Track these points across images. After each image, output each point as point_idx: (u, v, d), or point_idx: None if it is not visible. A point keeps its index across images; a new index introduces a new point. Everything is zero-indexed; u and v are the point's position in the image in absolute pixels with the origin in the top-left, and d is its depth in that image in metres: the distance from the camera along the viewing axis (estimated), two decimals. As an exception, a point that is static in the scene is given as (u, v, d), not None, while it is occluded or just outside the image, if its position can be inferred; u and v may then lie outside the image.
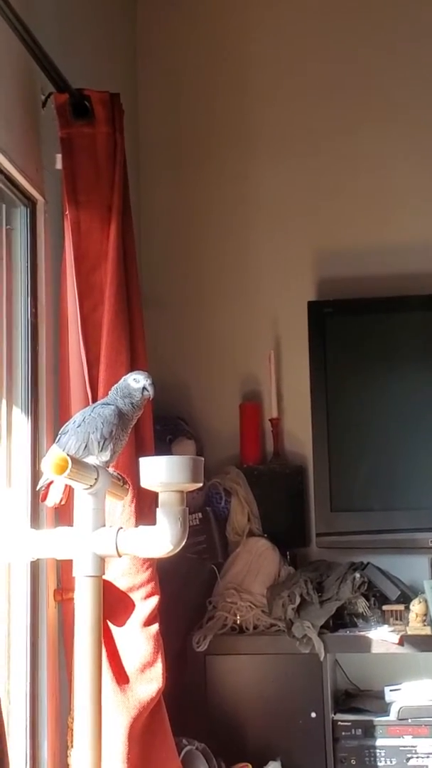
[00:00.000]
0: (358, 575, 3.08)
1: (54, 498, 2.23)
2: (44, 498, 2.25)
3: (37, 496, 2.33)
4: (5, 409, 2.44)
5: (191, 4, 3.69)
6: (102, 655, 2.16)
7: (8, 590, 2.39)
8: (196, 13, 3.69)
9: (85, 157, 2.55)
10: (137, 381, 2.18)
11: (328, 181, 3.55)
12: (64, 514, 2.34)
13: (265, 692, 3.00)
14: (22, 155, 2.43)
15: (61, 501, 2.23)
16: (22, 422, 2.45)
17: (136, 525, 2.39)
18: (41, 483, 2.20)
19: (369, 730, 2.95)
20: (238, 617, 3.05)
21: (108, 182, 2.56)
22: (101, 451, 2.12)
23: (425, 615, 2.99)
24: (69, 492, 2.22)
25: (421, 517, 3.17)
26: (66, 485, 2.19)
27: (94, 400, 2.41)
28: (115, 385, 2.22)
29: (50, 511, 2.40)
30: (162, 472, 2.03)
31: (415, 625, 2.98)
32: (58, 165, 2.55)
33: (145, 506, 2.42)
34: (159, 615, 2.50)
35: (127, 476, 2.29)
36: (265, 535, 3.25)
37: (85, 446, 2.12)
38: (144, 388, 2.17)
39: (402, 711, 2.95)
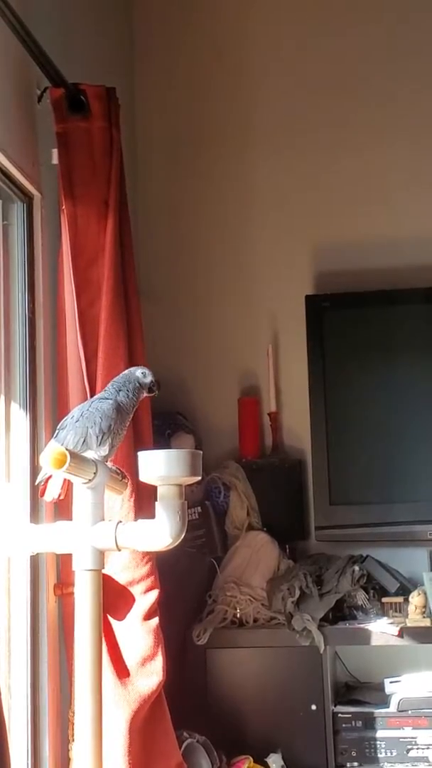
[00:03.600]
0: (357, 568, 3.09)
1: (52, 493, 2.23)
2: (43, 493, 2.25)
3: (36, 491, 2.33)
4: (3, 404, 2.44)
5: (188, -1, 3.70)
6: (102, 649, 2.16)
7: (8, 585, 2.39)
8: (193, 6, 3.68)
9: (81, 152, 2.55)
10: (145, 375, 2.19)
11: (325, 174, 3.55)
12: (63, 509, 2.34)
13: (265, 685, 3.00)
14: (18, 150, 2.43)
15: (59, 496, 2.24)
16: (20, 417, 2.46)
17: (136, 519, 2.39)
18: (40, 478, 2.20)
19: (369, 722, 2.95)
20: (238, 610, 3.06)
21: (105, 177, 2.56)
22: (100, 445, 2.12)
23: (424, 607, 3.00)
24: (67, 487, 2.23)
25: (419, 509, 3.17)
26: (65, 480, 2.20)
27: (92, 394, 2.41)
28: (114, 379, 2.22)
29: (49, 505, 2.41)
30: (161, 466, 2.04)
31: (414, 617, 2.99)
32: (55, 160, 2.55)
33: (144, 500, 2.43)
34: (159, 609, 2.51)
35: (126, 470, 2.30)
36: (265, 529, 3.25)
37: (84, 441, 2.12)
38: (152, 384, 2.19)
39: (402, 703, 2.95)
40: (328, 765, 2.94)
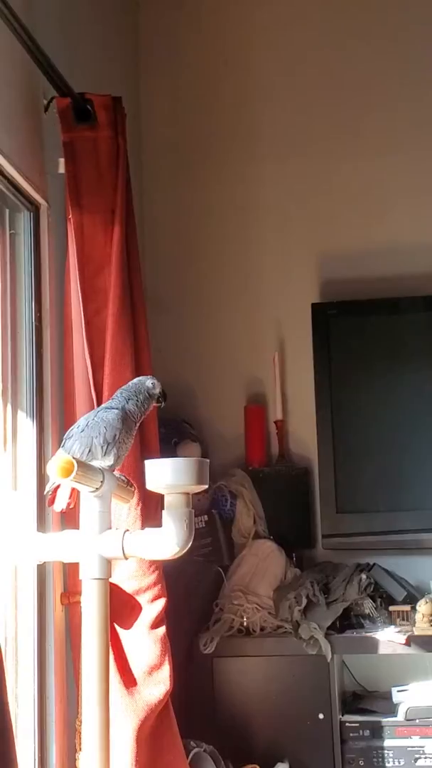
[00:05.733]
0: (364, 576, 3.08)
1: (62, 502, 2.23)
2: (52, 502, 2.25)
3: (43, 500, 2.33)
4: (11, 412, 2.44)
5: (193, 8, 3.70)
6: (109, 658, 2.16)
7: (15, 594, 2.39)
8: (198, 16, 3.69)
9: (87, 161, 2.55)
10: (155, 386, 2.19)
11: (330, 183, 3.55)
12: (70, 517, 2.34)
13: (272, 694, 3.00)
14: (25, 160, 2.43)
15: (69, 505, 2.24)
16: (27, 426, 2.46)
17: (142, 527, 2.39)
18: (48, 487, 2.20)
19: (377, 731, 2.94)
20: (245, 619, 3.05)
21: (111, 186, 2.56)
22: (105, 455, 2.12)
23: (432, 615, 2.99)
24: (76, 496, 2.22)
25: (426, 517, 3.16)
26: (73, 489, 2.20)
27: (99, 403, 2.41)
28: (123, 388, 2.22)
29: (56, 514, 2.41)
30: (167, 475, 2.03)
31: (421, 626, 2.98)
32: (61, 169, 2.56)
33: (151, 509, 2.43)
34: (166, 618, 2.50)
35: (133, 479, 2.30)
36: (271, 537, 3.25)
37: (89, 451, 2.12)
38: (160, 394, 2.18)
39: (409, 711, 2.94)
40: (336, 774, 2.94)
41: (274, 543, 3.22)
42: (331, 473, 3.25)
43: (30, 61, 2.39)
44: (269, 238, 3.59)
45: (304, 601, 2.98)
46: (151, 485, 2.06)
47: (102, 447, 2.12)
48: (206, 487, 2.09)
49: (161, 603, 2.49)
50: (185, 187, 3.63)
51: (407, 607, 3.06)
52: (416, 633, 2.97)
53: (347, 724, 2.96)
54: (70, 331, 2.53)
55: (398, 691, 3.02)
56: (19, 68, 2.43)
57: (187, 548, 2.07)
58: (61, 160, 2.56)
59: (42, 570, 2.42)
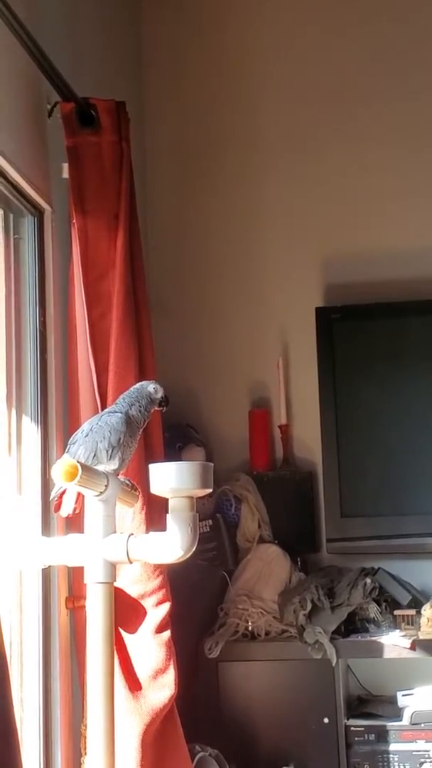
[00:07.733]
0: (369, 580, 3.08)
1: (67, 508, 2.23)
2: (58, 508, 2.25)
3: (48, 504, 2.34)
4: (15, 417, 2.44)
5: (196, 13, 3.70)
6: (114, 662, 2.16)
7: (20, 598, 2.39)
8: (201, 21, 3.70)
9: (91, 166, 2.56)
10: (157, 391, 2.19)
11: (334, 186, 3.56)
12: (74, 522, 2.34)
13: (277, 698, 3.00)
14: (29, 165, 2.44)
15: (74, 511, 2.24)
16: (31, 430, 2.46)
17: (147, 531, 2.39)
18: (54, 493, 2.20)
19: (382, 735, 2.94)
20: (250, 623, 3.05)
21: (115, 190, 2.57)
22: (110, 459, 2.12)
23: (437, 619, 2.99)
24: (82, 501, 2.22)
25: (431, 521, 3.16)
26: (78, 494, 2.19)
27: (103, 407, 2.41)
28: (126, 393, 2.22)
29: (61, 518, 2.41)
30: (172, 478, 2.04)
31: (426, 630, 2.98)
32: (65, 174, 2.56)
33: (156, 513, 2.43)
34: (171, 622, 2.51)
35: (137, 483, 2.30)
36: (276, 542, 3.25)
37: (94, 455, 2.12)
38: (162, 399, 2.18)
39: (415, 716, 2.94)
40: (341, 778, 2.93)
41: (279, 547, 3.22)
42: (336, 477, 3.25)
43: (34, 66, 2.40)
44: (273, 242, 3.59)
45: (309, 606, 2.98)
46: (155, 489, 2.06)
47: (107, 451, 2.12)
48: (210, 490, 2.09)
49: (166, 607, 2.49)
50: (189, 191, 3.64)
51: (412, 611, 3.06)
52: (421, 637, 2.97)
53: (352, 729, 2.96)
54: (74, 336, 2.53)
55: (403, 695, 3.02)
56: (23, 73, 2.44)
57: (191, 552, 2.07)
58: (65, 165, 2.56)
59: (47, 574, 2.42)
